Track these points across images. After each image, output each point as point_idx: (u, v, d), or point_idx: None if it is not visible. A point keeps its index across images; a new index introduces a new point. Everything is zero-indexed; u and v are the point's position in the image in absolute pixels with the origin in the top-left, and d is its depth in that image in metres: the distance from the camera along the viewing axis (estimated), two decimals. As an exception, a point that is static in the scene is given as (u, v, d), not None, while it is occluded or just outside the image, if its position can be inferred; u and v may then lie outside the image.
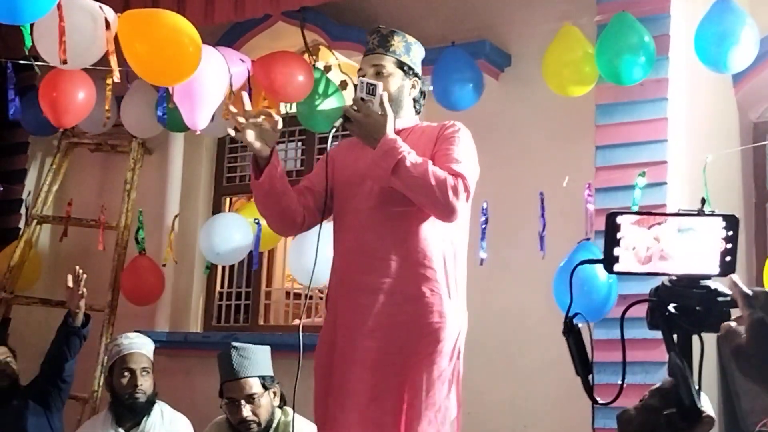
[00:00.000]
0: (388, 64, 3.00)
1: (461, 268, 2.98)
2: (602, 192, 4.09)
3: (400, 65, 3.02)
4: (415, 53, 3.08)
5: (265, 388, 3.73)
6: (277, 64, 4.71)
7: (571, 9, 4.46)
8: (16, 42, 3.71)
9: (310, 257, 3.69)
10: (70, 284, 4.26)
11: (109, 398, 4.16)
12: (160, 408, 4.12)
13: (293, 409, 2.94)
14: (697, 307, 1.32)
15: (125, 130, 5.47)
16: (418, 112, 3.12)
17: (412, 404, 2.78)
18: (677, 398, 1.24)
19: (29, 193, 6.05)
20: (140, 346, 4.13)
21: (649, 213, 1.37)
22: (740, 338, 1.18)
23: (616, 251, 1.37)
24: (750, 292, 1.21)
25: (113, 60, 3.84)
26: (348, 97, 4.93)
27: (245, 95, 2.98)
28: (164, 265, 5.42)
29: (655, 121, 4.10)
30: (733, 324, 1.21)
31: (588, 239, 3.93)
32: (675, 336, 1.33)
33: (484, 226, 4.23)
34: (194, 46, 3.91)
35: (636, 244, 1.36)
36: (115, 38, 3.87)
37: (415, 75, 3.07)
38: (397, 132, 2.89)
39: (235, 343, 3.83)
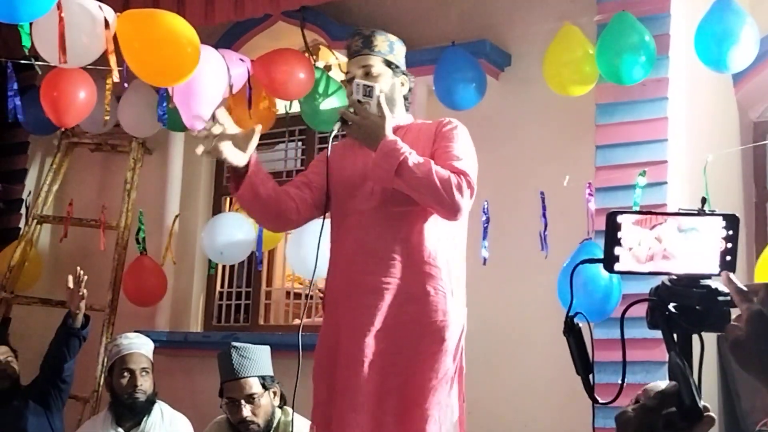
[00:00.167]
0: (376, 63, 3.01)
1: (461, 266, 2.99)
2: (602, 191, 4.09)
3: (387, 64, 3.02)
4: (398, 51, 3.09)
5: (265, 387, 3.73)
6: (277, 61, 4.71)
7: (571, 8, 4.46)
8: (16, 42, 3.71)
9: (309, 250, 3.71)
10: (71, 285, 4.26)
11: (109, 398, 4.17)
12: (160, 408, 4.12)
13: (293, 408, 2.92)
14: (697, 307, 1.32)
15: (125, 130, 5.47)
16: (407, 110, 3.12)
17: (418, 403, 2.78)
18: (678, 399, 1.24)
19: (29, 192, 6.05)
20: (139, 346, 4.13)
21: (650, 212, 1.37)
22: (739, 331, 1.19)
23: (617, 250, 1.37)
24: (745, 288, 1.22)
25: (112, 60, 3.84)
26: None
27: (221, 113, 2.87)
28: (162, 266, 5.42)
29: (656, 121, 4.10)
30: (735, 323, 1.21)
31: (590, 239, 3.93)
32: (675, 335, 1.33)
33: (486, 225, 4.22)
34: (192, 46, 3.91)
35: (637, 244, 1.36)
36: (115, 38, 3.87)
37: (403, 72, 3.07)
38: (394, 131, 2.89)
39: (235, 343, 3.83)
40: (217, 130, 2.79)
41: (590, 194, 4.01)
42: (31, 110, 5.04)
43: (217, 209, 5.77)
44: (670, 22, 4.14)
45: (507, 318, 4.54)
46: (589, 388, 1.43)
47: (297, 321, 5.87)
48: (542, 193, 4.13)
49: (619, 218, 1.37)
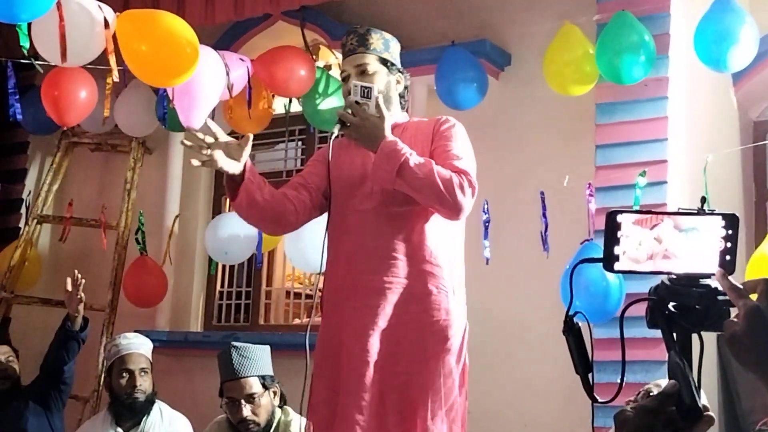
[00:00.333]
0: (372, 61, 3.00)
1: (461, 265, 3.00)
2: (602, 191, 4.08)
3: (383, 62, 3.02)
4: (393, 49, 3.08)
5: (265, 387, 3.73)
6: (278, 59, 4.71)
7: (571, 8, 4.46)
8: (16, 41, 3.71)
9: (308, 245, 3.72)
10: (69, 288, 4.25)
11: (108, 398, 4.16)
12: (160, 407, 4.12)
13: (300, 412, 2.91)
14: (697, 306, 1.32)
15: (121, 129, 5.46)
16: (403, 108, 3.12)
17: (424, 403, 2.78)
18: (677, 399, 1.24)
19: (29, 192, 6.05)
20: (138, 346, 4.13)
21: (650, 212, 1.37)
22: (736, 326, 1.19)
23: (617, 250, 1.37)
24: (739, 285, 1.22)
25: (112, 59, 3.84)
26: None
27: (211, 123, 2.89)
28: (162, 266, 5.42)
29: (656, 120, 4.10)
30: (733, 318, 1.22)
31: (591, 239, 3.93)
32: (675, 335, 1.33)
33: (486, 224, 4.22)
34: (191, 47, 3.92)
35: (637, 243, 1.36)
36: (114, 38, 3.87)
37: (398, 70, 3.07)
38: (391, 130, 2.89)
39: (235, 343, 3.83)
40: (209, 140, 2.80)
41: (590, 194, 4.01)
42: (31, 110, 5.04)
43: (217, 209, 5.77)
44: (669, 21, 4.14)
45: (507, 317, 4.54)
46: (589, 388, 1.43)
47: (297, 320, 5.88)
48: (542, 193, 4.13)
49: (619, 218, 1.36)
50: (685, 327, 1.32)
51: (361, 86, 2.84)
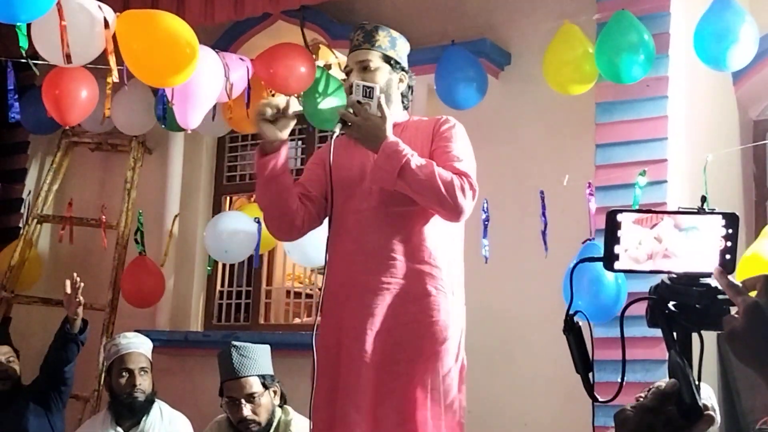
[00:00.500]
0: (374, 58, 2.99)
1: (460, 266, 2.99)
2: (602, 190, 4.08)
3: (387, 59, 3.01)
4: (400, 48, 3.07)
5: (266, 387, 3.73)
6: (278, 56, 4.71)
7: (571, 7, 4.46)
8: (15, 41, 3.71)
9: (307, 240, 3.71)
10: (68, 290, 4.25)
11: (108, 398, 4.17)
12: (159, 407, 4.11)
13: (310, 414, 2.90)
14: (697, 305, 1.32)
15: (117, 127, 5.45)
16: (406, 107, 3.11)
17: (423, 403, 2.78)
18: (677, 398, 1.24)
19: (29, 192, 6.05)
20: (138, 345, 4.13)
21: (650, 211, 1.37)
22: (735, 322, 1.19)
23: (617, 249, 1.37)
24: (737, 282, 1.23)
25: (112, 60, 3.84)
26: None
27: (294, 101, 2.94)
28: (162, 265, 5.42)
29: (655, 120, 4.10)
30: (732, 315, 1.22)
31: (592, 239, 3.93)
32: (675, 334, 1.33)
33: (486, 223, 4.22)
34: (191, 47, 3.91)
35: (637, 243, 1.36)
36: (114, 38, 3.87)
37: (402, 69, 3.06)
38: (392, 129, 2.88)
39: (235, 342, 3.83)
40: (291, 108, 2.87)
41: (590, 194, 4.01)
42: (31, 109, 5.04)
43: (217, 209, 5.77)
44: (669, 20, 4.14)
45: (507, 317, 4.54)
46: (589, 387, 1.43)
47: (297, 320, 5.88)
48: (542, 192, 4.13)
49: (619, 217, 1.36)
50: (685, 326, 1.32)
51: (363, 86, 2.83)
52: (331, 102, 4.86)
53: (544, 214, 4.11)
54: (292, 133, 5.81)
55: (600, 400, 1.42)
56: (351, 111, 2.81)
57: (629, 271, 1.38)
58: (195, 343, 5.44)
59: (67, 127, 5.25)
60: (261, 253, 5.22)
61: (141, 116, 5.28)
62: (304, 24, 5.17)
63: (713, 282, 1.31)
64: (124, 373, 4.05)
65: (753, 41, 3.97)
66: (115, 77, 3.91)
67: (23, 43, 3.70)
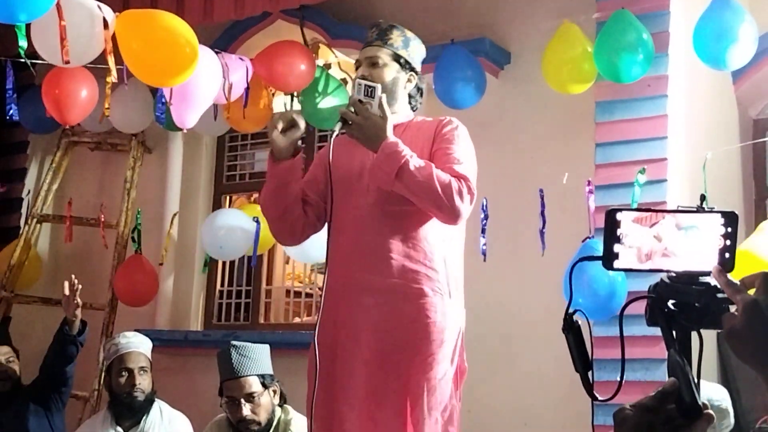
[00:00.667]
0: (384, 55, 2.99)
1: (459, 267, 2.97)
2: (602, 189, 4.09)
3: (397, 58, 3.01)
4: (413, 49, 3.07)
5: (265, 386, 3.73)
6: (277, 54, 4.70)
7: (570, 6, 4.46)
8: (13, 41, 3.71)
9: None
10: (67, 292, 4.23)
11: (108, 397, 4.16)
12: (159, 406, 4.11)
13: (308, 412, 2.91)
14: (696, 304, 1.31)
15: (114, 125, 5.43)
16: (414, 109, 3.10)
17: (418, 404, 2.77)
18: (677, 397, 1.23)
19: (29, 191, 6.05)
20: (138, 345, 4.13)
21: (649, 209, 1.37)
22: (734, 320, 1.19)
23: (616, 248, 1.37)
24: (735, 281, 1.22)
25: (111, 60, 3.83)
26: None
27: (299, 117, 3.01)
28: (161, 264, 5.42)
29: (655, 118, 4.10)
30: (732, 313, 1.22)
31: (591, 237, 3.93)
32: (674, 332, 1.33)
33: (484, 222, 4.22)
34: (191, 47, 3.91)
35: (637, 242, 1.36)
36: (114, 38, 3.86)
37: (412, 70, 3.05)
38: (393, 127, 2.87)
39: (234, 342, 3.83)
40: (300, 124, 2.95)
41: (590, 191, 4.01)
42: (31, 109, 5.03)
43: (216, 208, 5.76)
44: (669, 19, 4.14)
45: (506, 315, 4.54)
46: (588, 386, 1.43)
47: (297, 319, 5.88)
48: (541, 191, 4.13)
49: (619, 215, 1.36)
50: (684, 325, 1.32)
51: (365, 85, 2.83)
52: (331, 101, 4.86)
53: (543, 213, 4.11)
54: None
55: (599, 398, 1.42)
56: (352, 110, 2.81)
57: (628, 269, 1.38)
58: (195, 342, 5.44)
59: (67, 127, 5.25)
60: (260, 253, 5.23)
61: (138, 114, 5.28)
62: (304, 23, 5.17)
63: (713, 281, 1.31)
64: (123, 373, 4.05)
65: (752, 40, 3.97)
66: (114, 77, 3.91)
67: (22, 42, 3.70)
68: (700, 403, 1.23)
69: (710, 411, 1.22)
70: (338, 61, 5.22)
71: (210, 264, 5.63)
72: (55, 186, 5.86)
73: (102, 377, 4.83)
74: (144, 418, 4.04)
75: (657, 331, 1.34)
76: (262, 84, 4.82)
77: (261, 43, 5.13)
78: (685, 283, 1.33)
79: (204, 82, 4.26)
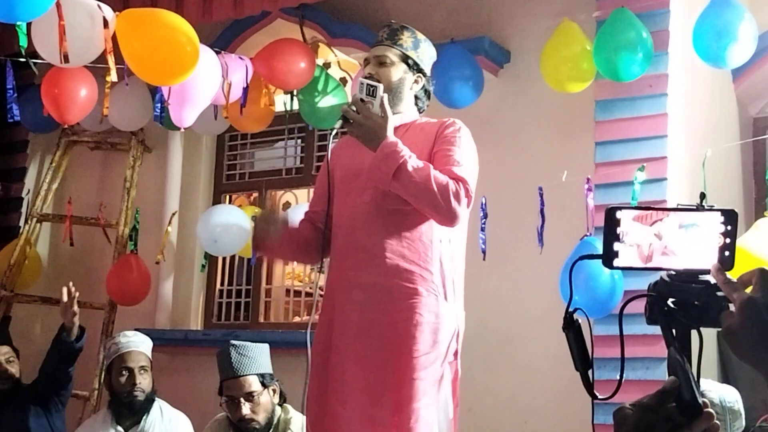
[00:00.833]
0: (392, 55, 3.00)
1: (458, 269, 2.96)
2: (602, 188, 4.09)
3: (405, 58, 3.01)
4: (423, 51, 3.07)
5: (264, 386, 3.73)
6: (277, 52, 4.70)
7: (570, 5, 4.46)
8: (13, 40, 3.71)
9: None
10: (64, 298, 4.20)
11: (108, 397, 4.16)
12: (160, 406, 4.12)
13: (303, 409, 2.92)
14: (696, 302, 1.31)
15: (112, 123, 5.42)
16: (420, 111, 3.10)
17: (409, 404, 2.77)
18: (677, 396, 1.23)
19: (29, 191, 6.05)
20: (138, 344, 4.13)
21: (649, 208, 1.37)
22: (732, 319, 1.19)
23: (616, 246, 1.36)
24: (733, 279, 1.22)
25: (111, 59, 3.83)
26: (349, 93, 4.93)
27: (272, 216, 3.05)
28: (157, 263, 5.41)
29: (655, 117, 4.09)
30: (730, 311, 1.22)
31: (589, 235, 3.93)
32: (674, 331, 1.32)
33: (483, 221, 4.22)
34: (192, 45, 3.91)
35: (636, 240, 1.36)
36: (114, 37, 3.86)
37: (420, 71, 3.05)
38: (396, 127, 2.88)
39: (234, 341, 3.83)
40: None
41: (589, 189, 4.01)
42: (31, 108, 5.03)
43: (216, 207, 5.77)
44: (669, 18, 4.14)
45: (505, 314, 4.54)
46: (588, 384, 1.42)
47: (297, 318, 5.88)
48: (540, 189, 4.13)
49: (618, 214, 1.36)
50: (684, 323, 1.32)
51: (367, 84, 2.83)
52: (330, 101, 4.86)
53: (542, 211, 4.11)
54: (291, 132, 5.86)
55: (599, 397, 1.42)
56: (354, 108, 2.81)
57: (628, 268, 1.37)
58: (195, 341, 5.44)
59: (66, 126, 5.24)
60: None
61: (136, 111, 5.26)
62: (303, 22, 5.16)
63: (712, 279, 1.31)
64: (124, 372, 4.05)
65: (752, 38, 3.97)
66: (114, 77, 3.91)
67: (23, 41, 3.69)
68: (700, 401, 1.23)
69: (711, 410, 1.22)
70: (338, 60, 5.22)
71: (210, 263, 5.63)
72: (54, 185, 5.85)
73: (102, 376, 4.83)
74: (144, 417, 4.04)
75: (657, 329, 1.34)
76: (262, 83, 4.82)
77: (260, 43, 5.13)
78: (685, 281, 1.33)
79: (203, 81, 4.26)
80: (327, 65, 5.12)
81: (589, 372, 1.43)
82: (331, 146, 2.92)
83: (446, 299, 2.87)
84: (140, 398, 4.03)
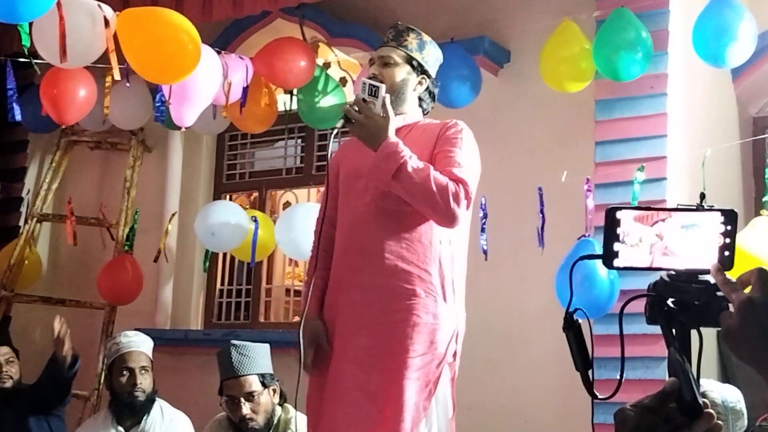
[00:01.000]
0: (397, 56, 3.01)
1: (459, 271, 2.95)
2: (602, 188, 4.09)
3: (409, 60, 3.01)
4: (428, 53, 3.07)
5: (265, 386, 3.73)
6: (277, 50, 4.70)
7: (570, 5, 4.46)
8: (12, 40, 3.71)
9: (299, 233, 3.68)
10: (56, 331, 4.11)
11: (109, 397, 4.16)
12: (160, 406, 4.11)
13: (295, 407, 2.94)
14: (696, 302, 1.31)
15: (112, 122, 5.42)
16: (425, 112, 3.10)
17: (406, 404, 2.76)
18: (678, 396, 1.23)
19: (29, 191, 6.05)
20: (139, 344, 4.12)
21: (649, 208, 1.37)
22: (731, 319, 1.19)
23: (616, 246, 1.36)
24: (732, 279, 1.23)
25: (113, 58, 3.83)
26: (348, 93, 4.93)
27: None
28: (155, 261, 5.41)
29: (655, 117, 4.10)
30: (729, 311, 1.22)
31: (587, 236, 3.93)
32: (674, 331, 1.33)
33: (483, 220, 4.22)
34: (193, 44, 3.91)
35: (637, 240, 1.36)
36: (115, 36, 3.86)
37: (424, 73, 3.05)
38: (398, 128, 2.88)
39: (234, 341, 3.83)
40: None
41: (588, 190, 4.01)
42: (31, 108, 5.03)
43: (216, 207, 5.76)
44: (668, 17, 4.14)
45: (505, 314, 4.54)
46: (589, 384, 1.42)
47: (297, 318, 5.87)
48: (540, 189, 4.13)
49: (619, 214, 1.36)
50: (684, 323, 1.32)
51: (370, 84, 2.83)
52: (328, 101, 4.86)
53: (542, 211, 4.11)
54: (291, 132, 5.86)
55: (599, 397, 1.42)
56: (356, 108, 2.82)
57: (629, 268, 1.37)
58: (195, 341, 5.44)
59: (66, 126, 5.24)
60: (260, 259, 5.24)
61: (136, 110, 5.26)
62: (303, 22, 5.17)
63: (712, 279, 1.31)
64: (124, 372, 4.04)
65: (752, 38, 3.97)
66: (116, 76, 3.91)
67: (25, 41, 3.69)
68: (700, 401, 1.23)
69: (711, 410, 1.22)
70: (338, 59, 5.22)
71: (210, 263, 5.63)
72: (54, 185, 5.85)
73: (103, 376, 4.83)
74: (145, 417, 4.04)
75: (657, 329, 1.34)
76: (262, 83, 4.82)
77: (260, 43, 5.13)
78: (685, 281, 1.33)
79: (203, 80, 4.26)
80: (327, 65, 5.12)
81: (589, 372, 1.43)
82: (332, 146, 2.92)
83: (445, 300, 2.86)
84: (141, 398, 4.03)
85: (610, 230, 1.36)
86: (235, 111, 4.67)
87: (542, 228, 4.10)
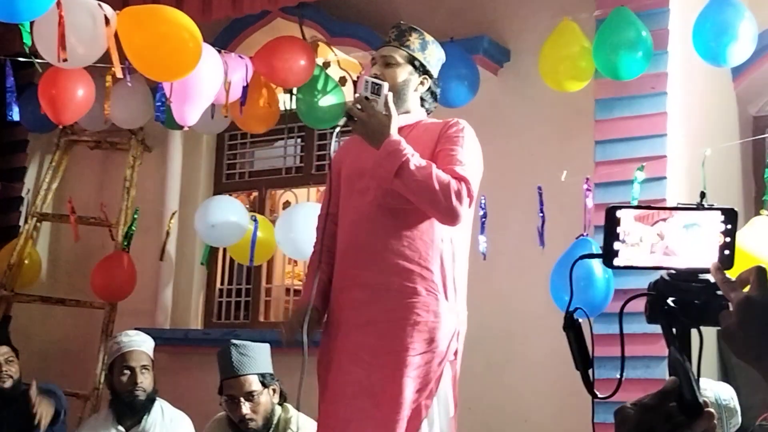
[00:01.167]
0: (399, 56, 3.01)
1: (461, 269, 2.95)
2: (602, 187, 4.09)
3: (411, 60, 3.01)
4: (430, 53, 3.07)
5: (265, 385, 3.73)
6: (277, 49, 4.70)
7: (570, 4, 4.46)
8: (12, 40, 3.70)
9: (299, 232, 3.66)
10: (32, 397, 4.03)
11: (109, 396, 4.16)
12: (161, 405, 4.11)
13: (296, 407, 2.94)
14: (696, 301, 1.31)
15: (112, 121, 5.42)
16: (428, 112, 3.10)
17: (406, 403, 2.77)
18: (678, 395, 1.23)
19: (29, 190, 6.05)
20: (140, 343, 4.12)
21: (648, 207, 1.37)
22: (730, 319, 1.19)
23: (616, 245, 1.36)
24: (732, 278, 1.22)
25: (115, 57, 3.83)
26: (347, 93, 4.93)
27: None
28: (161, 259, 5.40)
29: (655, 116, 4.09)
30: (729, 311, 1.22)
31: (585, 235, 3.93)
32: (674, 330, 1.32)
33: (483, 220, 4.22)
34: (194, 41, 3.90)
35: (638, 240, 1.36)
36: (116, 35, 3.86)
37: (426, 73, 3.05)
38: (401, 127, 2.88)
39: (234, 341, 3.83)
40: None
41: (588, 189, 4.01)
42: (30, 108, 5.02)
43: (216, 207, 5.76)
44: (668, 16, 4.14)
45: (505, 313, 4.54)
46: (589, 383, 1.42)
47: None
48: (540, 188, 4.13)
49: (619, 213, 1.36)
50: (684, 322, 1.32)
51: (372, 82, 2.83)
52: (329, 100, 4.85)
53: (542, 210, 4.11)
54: (291, 131, 5.86)
55: (600, 396, 1.42)
56: (358, 106, 2.82)
57: (629, 267, 1.37)
58: (195, 341, 5.44)
59: (65, 126, 5.24)
60: (260, 262, 5.24)
61: (137, 109, 5.26)
62: (303, 21, 5.16)
63: (712, 278, 1.31)
64: (125, 371, 4.04)
65: (752, 37, 3.97)
66: (118, 74, 3.90)
67: (27, 40, 3.69)
68: (701, 400, 1.23)
69: (711, 409, 1.22)
70: (337, 59, 5.22)
71: (210, 262, 5.62)
72: (54, 185, 5.85)
73: (103, 376, 4.83)
74: (145, 417, 4.04)
75: (657, 328, 1.34)
76: (263, 83, 4.81)
77: (260, 42, 5.12)
78: (685, 280, 1.33)
79: (205, 79, 4.26)
80: (326, 64, 5.12)
81: (590, 371, 1.43)
82: (334, 145, 2.93)
83: (446, 299, 2.86)
84: (141, 398, 4.03)
85: (610, 229, 1.36)
86: (234, 111, 4.67)
87: (542, 227, 4.10)
